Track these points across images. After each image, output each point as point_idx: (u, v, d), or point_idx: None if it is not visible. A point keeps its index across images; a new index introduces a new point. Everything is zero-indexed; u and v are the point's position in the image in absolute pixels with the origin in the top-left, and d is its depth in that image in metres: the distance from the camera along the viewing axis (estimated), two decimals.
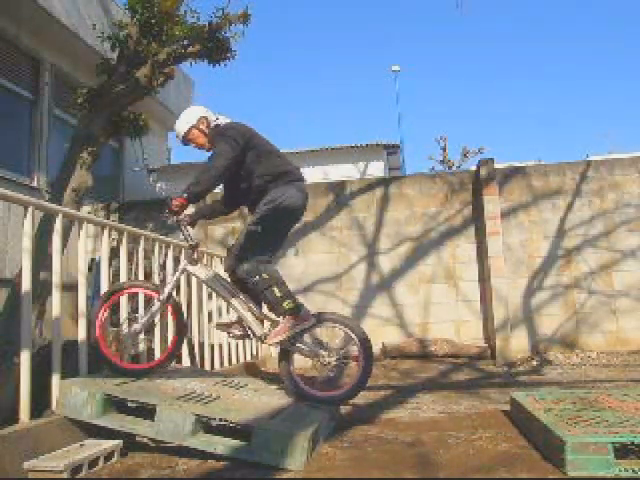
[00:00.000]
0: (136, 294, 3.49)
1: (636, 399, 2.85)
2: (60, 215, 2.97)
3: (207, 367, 4.50)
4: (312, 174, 9.35)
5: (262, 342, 3.17)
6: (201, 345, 4.56)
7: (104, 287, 3.35)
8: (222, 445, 2.46)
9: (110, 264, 3.58)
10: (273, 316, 3.22)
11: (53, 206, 3.11)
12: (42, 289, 3.80)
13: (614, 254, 6.32)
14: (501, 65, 49.74)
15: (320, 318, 3.19)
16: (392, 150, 10.84)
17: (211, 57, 5.11)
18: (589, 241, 6.40)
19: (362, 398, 4.01)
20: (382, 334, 6.31)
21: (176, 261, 4.38)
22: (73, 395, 2.64)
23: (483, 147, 21.12)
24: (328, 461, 2.45)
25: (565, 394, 3.12)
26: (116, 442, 2.61)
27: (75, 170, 4.45)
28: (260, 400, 2.99)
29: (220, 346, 4.92)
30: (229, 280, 3.32)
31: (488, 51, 51.24)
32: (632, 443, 2.16)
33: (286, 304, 3.05)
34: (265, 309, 3.29)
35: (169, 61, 4.76)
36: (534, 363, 5.79)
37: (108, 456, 2.54)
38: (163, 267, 4.18)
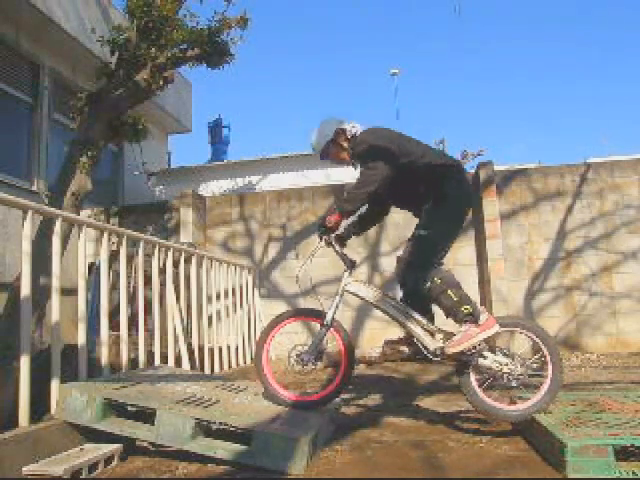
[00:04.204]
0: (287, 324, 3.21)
1: (636, 401, 2.85)
2: (60, 219, 2.98)
3: (207, 371, 4.50)
4: (315, 177, 9.36)
5: (436, 357, 2.87)
6: (201, 349, 4.56)
7: (104, 290, 3.34)
8: (222, 449, 2.46)
9: (110, 268, 3.58)
10: (446, 329, 2.93)
11: (53, 210, 3.11)
12: (42, 293, 3.80)
13: (615, 256, 6.32)
14: (500, 67, 49.83)
15: (501, 323, 2.87)
16: None
17: (210, 61, 5.12)
18: (589, 243, 6.39)
19: (362, 401, 4.01)
20: (384, 336, 6.27)
21: (176, 264, 4.40)
22: (73, 399, 2.64)
23: (482, 150, 20.99)
24: (328, 465, 2.44)
25: (565, 396, 3.12)
26: (116, 446, 2.61)
27: (74, 174, 4.45)
28: (260, 404, 2.98)
29: (220, 350, 4.92)
30: (400, 290, 3.12)
31: (487, 53, 51.34)
32: (632, 445, 2.16)
33: (465, 309, 2.79)
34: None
35: (168, 65, 4.77)
36: (534, 365, 5.76)
37: (108, 460, 2.54)
38: (163, 271, 4.18)
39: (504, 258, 6.26)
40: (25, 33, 6.88)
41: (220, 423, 2.53)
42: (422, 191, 3.01)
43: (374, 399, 4.09)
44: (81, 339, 3.00)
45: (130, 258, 3.72)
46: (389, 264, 6.72)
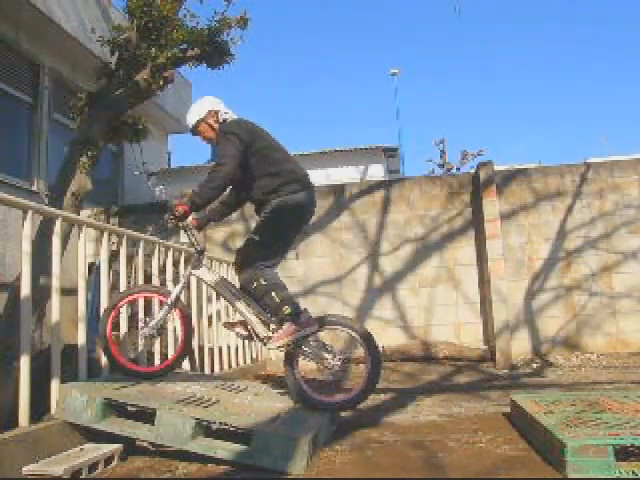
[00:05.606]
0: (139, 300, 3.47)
1: (636, 401, 2.85)
2: (60, 219, 2.98)
3: (207, 371, 4.50)
4: (314, 176, 9.35)
5: (264, 345, 3.10)
6: (201, 349, 4.56)
7: (104, 290, 3.34)
8: (222, 449, 2.46)
9: (110, 268, 3.58)
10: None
11: (53, 210, 3.11)
12: (42, 293, 3.80)
13: (615, 256, 6.31)
14: (500, 67, 49.77)
15: (323, 321, 3.12)
16: (391, 153, 10.87)
17: (210, 61, 5.11)
18: (589, 243, 6.39)
19: None
20: (383, 336, 6.29)
21: (176, 264, 4.39)
22: (73, 399, 2.64)
23: (482, 150, 21.00)
24: (329, 465, 2.44)
25: (565, 396, 3.12)
26: (116, 446, 2.61)
27: (74, 174, 4.45)
28: (260, 404, 2.98)
29: (220, 350, 4.91)
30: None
31: (487, 53, 51.29)
32: (632, 445, 2.16)
33: (285, 309, 2.99)
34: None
35: (168, 65, 4.76)
36: (535, 365, 5.78)
37: (108, 460, 2.54)
38: (163, 270, 4.17)
39: (504, 258, 6.25)
40: (25, 33, 6.87)
41: (220, 423, 2.52)
42: (261, 191, 3.12)
43: (374, 399, 4.09)
44: (81, 339, 3.00)
45: (130, 258, 3.72)
46: (389, 264, 6.73)
